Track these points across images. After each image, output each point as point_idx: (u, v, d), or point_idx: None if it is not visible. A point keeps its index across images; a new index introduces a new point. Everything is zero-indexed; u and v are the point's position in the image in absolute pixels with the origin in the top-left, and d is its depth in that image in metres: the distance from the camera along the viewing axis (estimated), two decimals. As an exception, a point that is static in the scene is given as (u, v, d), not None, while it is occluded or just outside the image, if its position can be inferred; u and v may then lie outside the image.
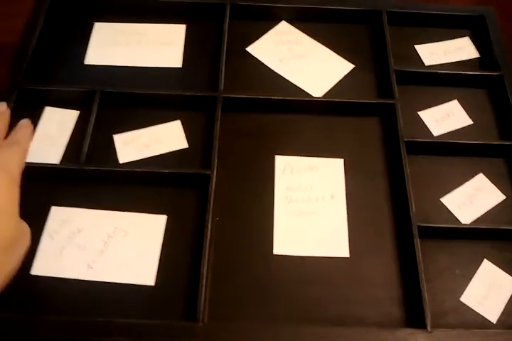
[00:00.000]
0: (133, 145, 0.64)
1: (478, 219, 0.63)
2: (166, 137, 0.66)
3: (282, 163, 0.65)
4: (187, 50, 0.74)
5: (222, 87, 0.68)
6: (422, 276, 0.56)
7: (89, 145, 0.62)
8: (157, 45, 0.74)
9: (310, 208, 0.62)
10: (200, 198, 0.61)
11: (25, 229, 0.47)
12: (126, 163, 0.63)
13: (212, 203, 0.59)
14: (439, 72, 0.72)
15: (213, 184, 0.60)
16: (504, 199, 0.64)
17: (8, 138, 0.49)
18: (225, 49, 0.71)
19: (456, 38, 0.78)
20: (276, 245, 0.59)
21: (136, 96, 0.67)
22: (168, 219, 0.60)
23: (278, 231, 0.60)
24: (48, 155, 0.62)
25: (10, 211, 0.45)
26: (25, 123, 0.52)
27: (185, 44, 0.75)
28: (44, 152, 0.63)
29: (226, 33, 0.73)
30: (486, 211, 0.63)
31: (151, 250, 0.57)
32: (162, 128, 0.66)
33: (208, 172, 0.61)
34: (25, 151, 0.50)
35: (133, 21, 0.76)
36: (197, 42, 0.75)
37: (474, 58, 0.76)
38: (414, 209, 0.60)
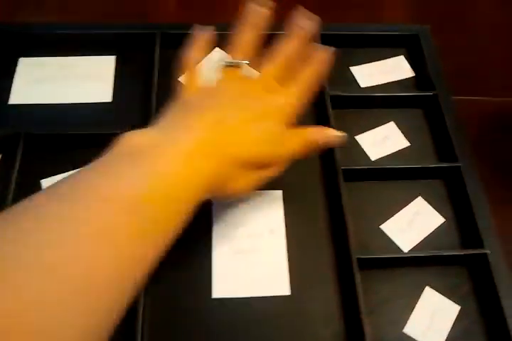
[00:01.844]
0: (63, 190, 0.62)
1: (418, 244, 0.62)
2: (98, 178, 0.63)
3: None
4: (117, 83, 0.72)
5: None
6: (363, 310, 0.55)
7: (14, 193, 0.59)
8: (85, 79, 0.71)
9: (248, 245, 0.60)
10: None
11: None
12: (56, 208, 0.61)
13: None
14: (373, 95, 0.72)
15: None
16: (443, 222, 0.64)
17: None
18: (155, 80, 0.69)
19: (392, 57, 0.78)
20: (215, 288, 0.57)
21: (64, 137, 0.65)
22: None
23: (216, 273, 0.58)
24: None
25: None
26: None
27: (114, 77, 0.72)
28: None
29: (157, 64, 0.71)
30: (426, 235, 0.63)
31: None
32: (93, 169, 0.64)
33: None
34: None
35: (61, 55, 0.73)
36: (127, 74, 0.73)
37: (410, 77, 0.76)
38: (352, 241, 0.59)
